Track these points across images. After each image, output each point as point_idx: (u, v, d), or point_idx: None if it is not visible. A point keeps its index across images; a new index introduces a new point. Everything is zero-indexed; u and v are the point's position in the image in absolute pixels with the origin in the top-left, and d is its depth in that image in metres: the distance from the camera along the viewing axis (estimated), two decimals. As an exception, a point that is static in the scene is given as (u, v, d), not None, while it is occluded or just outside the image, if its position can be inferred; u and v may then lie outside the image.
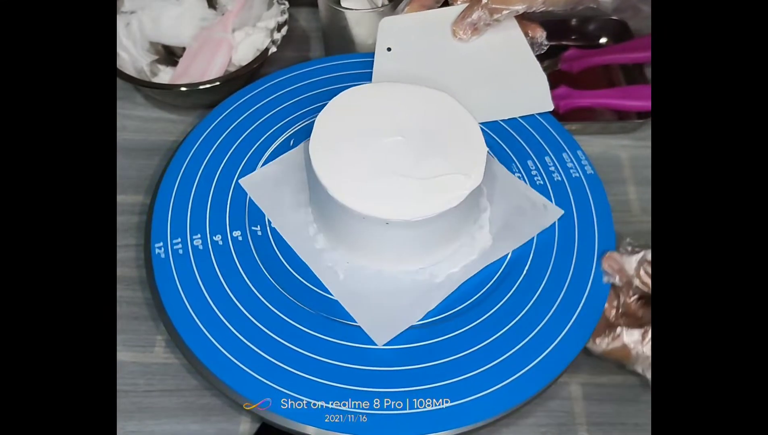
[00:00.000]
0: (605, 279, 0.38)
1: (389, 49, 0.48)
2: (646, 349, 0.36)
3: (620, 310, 0.39)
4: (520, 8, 0.44)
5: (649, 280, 0.37)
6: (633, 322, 0.38)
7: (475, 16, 0.45)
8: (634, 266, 0.37)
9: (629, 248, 0.38)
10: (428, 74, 0.45)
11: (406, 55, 0.48)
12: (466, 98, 0.41)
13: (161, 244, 0.41)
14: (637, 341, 0.36)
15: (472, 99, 0.42)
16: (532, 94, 0.47)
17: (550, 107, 0.47)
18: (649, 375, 0.36)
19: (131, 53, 0.52)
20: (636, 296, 0.39)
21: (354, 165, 0.38)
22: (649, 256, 0.37)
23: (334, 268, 0.40)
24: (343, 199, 0.36)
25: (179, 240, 0.41)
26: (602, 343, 0.37)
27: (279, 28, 0.53)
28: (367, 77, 0.49)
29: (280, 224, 0.42)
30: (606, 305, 0.38)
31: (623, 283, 0.38)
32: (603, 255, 0.39)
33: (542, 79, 0.47)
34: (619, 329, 0.36)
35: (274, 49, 0.52)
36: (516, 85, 0.47)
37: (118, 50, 0.52)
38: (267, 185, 0.44)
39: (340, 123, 0.40)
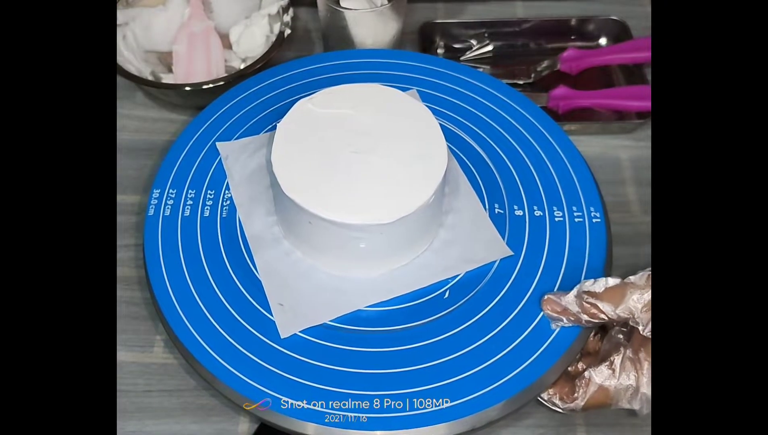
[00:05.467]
0: (553, 325, 0.36)
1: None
2: (621, 380, 0.33)
3: (579, 357, 0.37)
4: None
5: (596, 312, 0.34)
6: (593, 361, 0.36)
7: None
8: (574, 301, 0.34)
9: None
10: None
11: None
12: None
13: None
14: (608, 376, 0.34)
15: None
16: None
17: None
18: (635, 406, 0.34)
19: (134, 64, 0.52)
20: (593, 332, 0.37)
21: (315, 171, 0.38)
22: (585, 286, 0.34)
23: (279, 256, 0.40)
24: (303, 203, 0.36)
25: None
26: (579, 398, 0.34)
27: (284, 11, 0.53)
28: (366, 77, 0.48)
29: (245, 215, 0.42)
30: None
31: (572, 322, 0.35)
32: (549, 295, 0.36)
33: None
34: (587, 373, 0.34)
35: (288, 31, 0.52)
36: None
37: (122, 62, 0.51)
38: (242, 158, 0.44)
39: (302, 128, 0.40)
